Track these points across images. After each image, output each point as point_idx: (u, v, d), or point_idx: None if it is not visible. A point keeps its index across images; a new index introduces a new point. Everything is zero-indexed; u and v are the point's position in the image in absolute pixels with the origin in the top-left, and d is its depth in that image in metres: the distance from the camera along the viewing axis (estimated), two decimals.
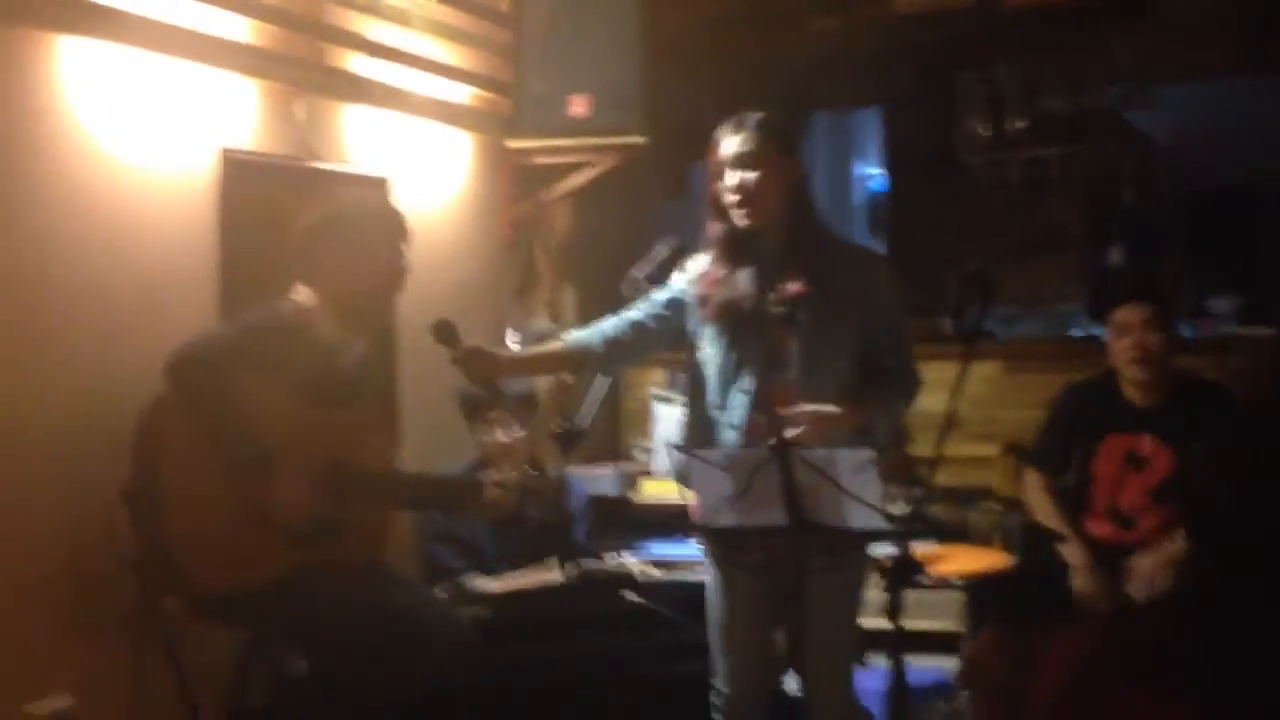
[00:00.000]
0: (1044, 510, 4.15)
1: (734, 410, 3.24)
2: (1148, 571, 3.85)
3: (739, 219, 3.22)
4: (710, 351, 3.30)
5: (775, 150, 3.22)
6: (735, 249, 3.27)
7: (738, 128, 3.23)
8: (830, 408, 3.09)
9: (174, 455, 3.16)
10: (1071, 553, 4.00)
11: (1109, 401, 4.12)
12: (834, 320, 3.19)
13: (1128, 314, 4.07)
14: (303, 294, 3.42)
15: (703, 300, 3.30)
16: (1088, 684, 3.29)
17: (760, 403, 3.19)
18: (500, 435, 4.14)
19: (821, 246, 3.27)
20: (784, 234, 3.25)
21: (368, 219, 3.52)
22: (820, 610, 3.28)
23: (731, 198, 3.21)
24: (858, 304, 3.21)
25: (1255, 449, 4.02)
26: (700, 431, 3.31)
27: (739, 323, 3.24)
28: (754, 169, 3.19)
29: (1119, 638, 3.64)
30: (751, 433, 3.19)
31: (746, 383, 3.23)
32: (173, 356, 3.14)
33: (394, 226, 3.52)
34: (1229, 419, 4.06)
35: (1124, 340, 4.06)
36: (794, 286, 3.18)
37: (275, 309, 3.39)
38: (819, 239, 3.29)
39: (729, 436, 3.24)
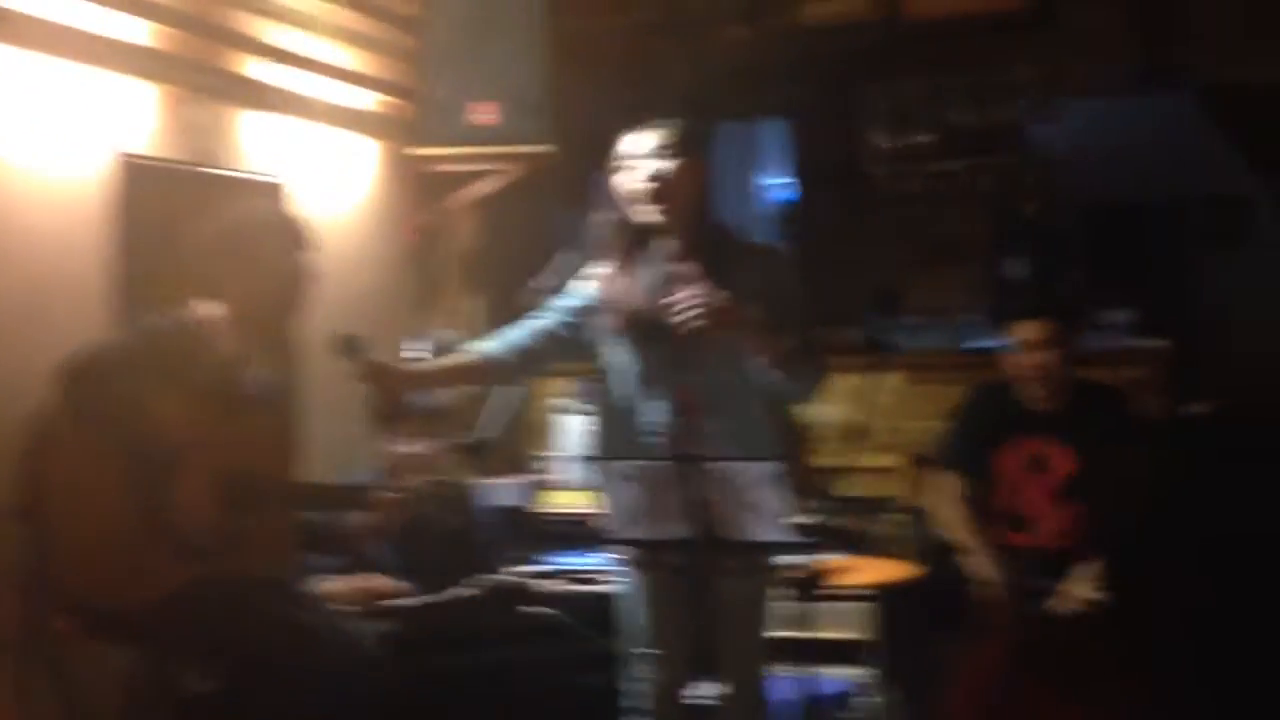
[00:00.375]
0: (950, 520, 4.18)
1: (649, 415, 3.23)
2: (1077, 596, 3.90)
3: (649, 213, 3.19)
4: (621, 359, 3.28)
5: (690, 148, 3.21)
6: (635, 247, 3.25)
7: (655, 125, 3.21)
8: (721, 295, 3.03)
9: (61, 467, 3.07)
10: (977, 565, 4.03)
11: (1011, 406, 4.19)
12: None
13: (1028, 330, 4.14)
14: (203, 305, 3.34)
15: (607, 307, 3.28)
16: (1000, 696, 3.31)
17: (677, 406, 3.16)
18: (403, 446, 4.07)
19: (721, 247, 3.25)
20: (686, 234, 3.22)
21: (265, 229, 3.44)
22: (731, 614, 3.27)
23: (645, 188, 3.17)
24: (759, 299, 3.20)
25: (1152, 451, 4.11)
26: (615, 438, 3.29)
27: (645, 331, 3.22)
28: (673, 158, 3.17)
29: (1031, 648, 3.68)
30: (670, 436, 3.16)
31: (660, 388, 3.21)
32: (63, 362, 3.06)
33: (294, 235, 3.44)
34: (1127, 420, 4.15)
35: (1024, 357, 4.13)
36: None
37: (173, 319, 3.32)
38: (719, 240, 3.27)
39: (647, 441, 3.22)
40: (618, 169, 3.23)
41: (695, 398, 3.13)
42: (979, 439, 4.21)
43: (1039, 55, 6.24)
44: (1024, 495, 4.14)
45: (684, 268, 3.15)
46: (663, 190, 3.17)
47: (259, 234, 3.41)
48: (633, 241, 3.26)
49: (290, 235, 3.44)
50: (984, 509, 4.15)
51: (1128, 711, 3.24)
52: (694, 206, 3.23)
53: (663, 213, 3.18)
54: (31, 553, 3.10)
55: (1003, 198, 7.07)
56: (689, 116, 3.29)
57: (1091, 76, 6.32)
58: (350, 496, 3.70)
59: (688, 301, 3.01)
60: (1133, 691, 3.38)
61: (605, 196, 3.29)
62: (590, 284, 3.35)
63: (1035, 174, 6.86)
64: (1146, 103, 7.04)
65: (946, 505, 4.21)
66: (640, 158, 3.19)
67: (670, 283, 3.14)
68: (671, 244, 3.22)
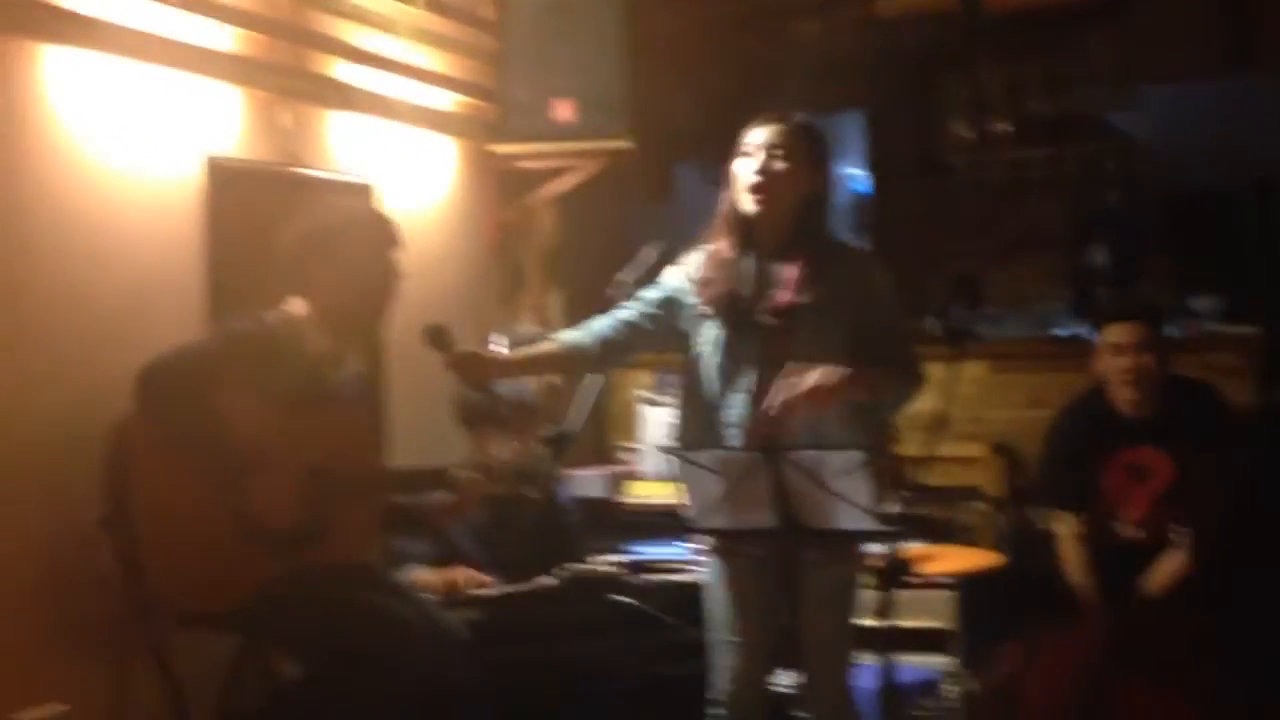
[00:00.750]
0: (1074, 566, 4.14)
1: (733, 409, 3.26)
2: (1169, 571, 3.86)
3: (749, 203, 3.24)
4: (707, 349, 3.31)
5: (805, 151, 3.26)
6: (741, 231, 3.30)
7: (778, 119, 3.27)
8: (829, 370, 3.08)
9: (144, 474, 3.12)
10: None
11: (1103, 418, 4.12)
12: (829, 320, 3.20)
13: (1120, 333, 4.07)
14: (294, 304, 3.41)
15: (704, 283, 3.31)
16: (1089, 684, 3.29)
17: (759, 400, 3.20)
18: (494, 450, 4.11)
19: (821, 248, 3.28)
20: (788, 230, 3.27)
21: (357, 229, 3.49)
22: (817, 604, 3.29)
23: (751, 179, 3.23)
24: (854, 305, 3.23)
25: (1249, 448, 4.05)
26: (697, 430, 3.32)
27: (736, 318, 3.26)
28: (780, 160, 3.22)
29: (1121, 635, 3.64)
30: (752, 431, 3.20)
31: (744, 381, 3.24)
32: (143, 369, 3.11)
33: (384, 235, 3.49)
34: (1220, 419, 4.08)
35: (1118, 361, 4.07)
36: (784, 297, 3.20)
37: (260, 320, 3.36)
38: (819, 241, 3.30)
39: (729, 434, 3.25)
40: (740, 154, 3.28)
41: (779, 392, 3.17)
42: (1079, 464, 4.15)
43: (1116, 41, 6.17)
44: (1127, 504, 4.09)
45: (782, 266, 3.23)
46: (765, 186, 3.23)
47: (349, 233, 3.45)
48: (738, 220, 3.30)
49: (380, 234, 3.49)
50: (1097, 529, 4.11)
51: (1214, 700, 3.21)
52: (798, 207, 3.27)
53: (760, 204, 3.24)
54: (123, 559, 3.17)
55: (1083, 186, 7.01)
56: (808, 114, 3.34)
57: (1171, 62, 6.25)
58: (433, 479, 3.75)
59: (798, 399, 3.06)
60: (1220, 679, 3.34)
61: (725, 179, 3.34)
62: (684, 269, 3.39)
63: (1116, 161, 6.80)
64: (1229, 86, 6.94)
65: (1073, 552, 4.16)
66: (756, 149, 3.24)
67: (765, 276, 3.23)
68: (772, 235, 3.27)
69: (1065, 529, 4.18)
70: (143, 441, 3.13)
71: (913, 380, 3.28)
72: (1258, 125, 7.14)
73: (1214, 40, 6.00)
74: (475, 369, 3.40)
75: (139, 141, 3.65)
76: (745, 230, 3.30)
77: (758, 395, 3.20)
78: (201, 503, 3.13)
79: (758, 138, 3.26)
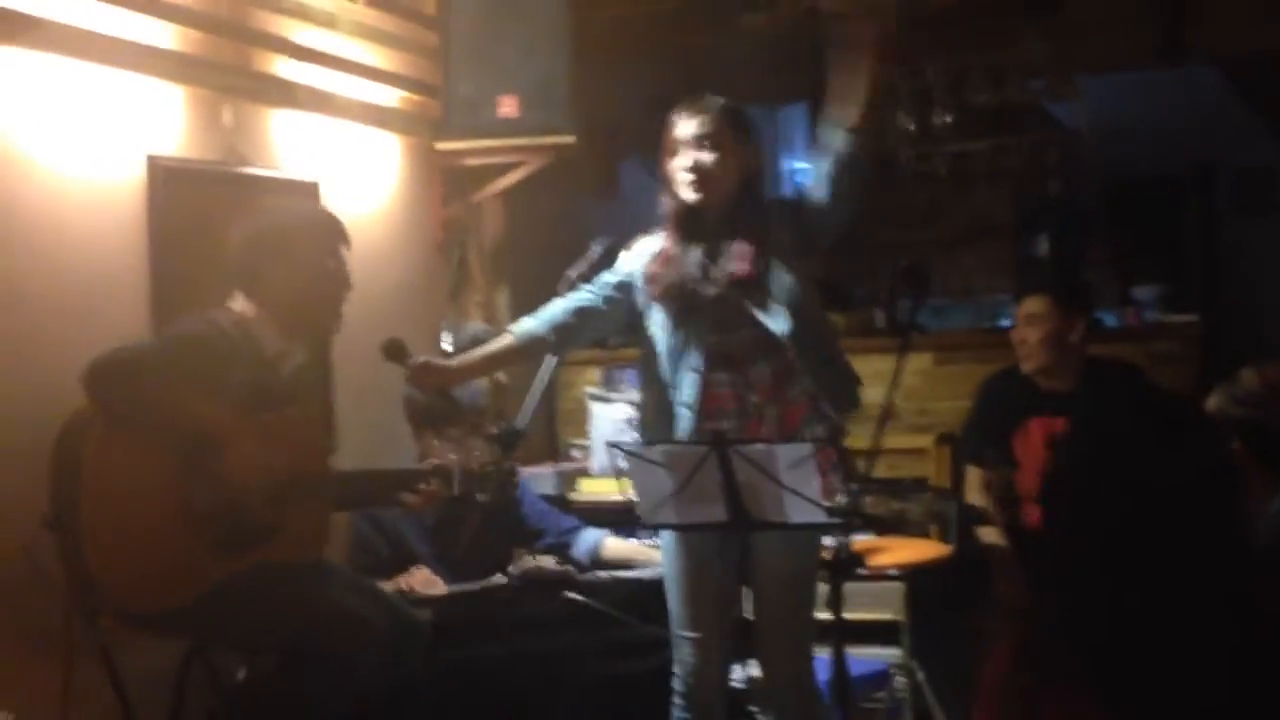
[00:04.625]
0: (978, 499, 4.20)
1: (685, 389, 3.28)
2: None
3: (685, 194, 3.27)
4: (659, 332, 3.34)
5: (732, 135, 3.29)
6: (685, 225, 3.33)
7: (696, 109, 3.29)
8: None
9: (92, 474, 3.06)
10: (994, 554, 4.06)
11: (1024, 389, 4.19)
12: (778, 287, 3.25)
13: (1028, 305, 4.17)
14: (241, 303, 3.39)
15: (650, 278, 3.36)
16: (1027, 677, 3.30)
17: (709, 380, 3.27)
18: (451, 454, 4.10)
19: (763, 221, 3.32)
20: (732, 214, 3.31)
21: (309, 228, 3.49)
22: (773, 597, 3.30)
23: (685, 176, 3.25)
24: (793, 291, 3.26)
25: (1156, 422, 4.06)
26: (656, 413, 3.35)
27: (684, 302, 3.30)
28: (711, 151, 3.25)
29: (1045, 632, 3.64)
30: (705, 409, 3.23)
31: (695, 360, 3.27)
32: (90, 366, 3.05)
33: (335, 235, 3.49)
34: (1141, 394, 4.14)
35: (1023, 331, 4.16)
36: (741, 268, 3.23)
37: (210, 319, 3.34)
38: (764, 214, 3.34)
39: (682, 414, 3.29)
40: (669, 153, 3.31)
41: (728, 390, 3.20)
42: (995, 427, 4.22)
43: (1055, 32, 6.22)
44: (1035, 472, 4.14)
45: (731, 244, 3.28)
46: (700, 181, 3.26)
47: (303, 233, 3.45)
48: (681, 215, 3.33)
49: (332, 234, 3.49)
50: (1012, 494, 4.15)
51: (1155, 690, 3.23)
52: (737, 191, 3.31)
53: (703, 196, 3.27)
54: (70, 561, 3.13)
55: (1026, 177, 7.08)
56: (732, 102, 3.37)
57: (1108, 52, 6.32)
58: (387, 482, 3.75)
59: None
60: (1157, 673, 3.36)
61: (661, 177, 3.38)
62: (635, 257, 3.41)
63: (1057, 152, 6.86)
64: (1168, 76, 7.03)
65: (972, 496, 4.23)
66: (684, 144, 3.26)
67: (716, 257, 3.28)
68: (716, 221, 3.32)
69: (971, 477, 4.25)
70: (92, 439, 3.08)
71: (851, 380, 3.36)
72: (1196, 113, 7.24)
73: (1150, 29, 6.07)
74: (436, 377, 3.44)
75: (80, 141, 3.61)
76: (691, 221, 3.33)
77: (705, 376, 3.25)
78: (152, 501, 3.10)
79: (684, 132, 3.29)
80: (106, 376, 3.06)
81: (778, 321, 3.21)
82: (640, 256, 3.42)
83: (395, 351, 3.42)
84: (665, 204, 3.36)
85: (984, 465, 4.20)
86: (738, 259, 3.26)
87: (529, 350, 3.52)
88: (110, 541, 3.07)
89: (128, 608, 3.14)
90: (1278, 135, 7.06)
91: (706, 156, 3.25)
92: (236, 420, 3.20)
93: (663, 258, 3.36)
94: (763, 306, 3.23)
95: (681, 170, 3.28)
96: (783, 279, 3.24)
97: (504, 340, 3.56)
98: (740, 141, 3.31)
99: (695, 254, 3.31)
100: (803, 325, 3.24)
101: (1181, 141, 7.34)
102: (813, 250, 3.35)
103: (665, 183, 3.34)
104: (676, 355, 3.31)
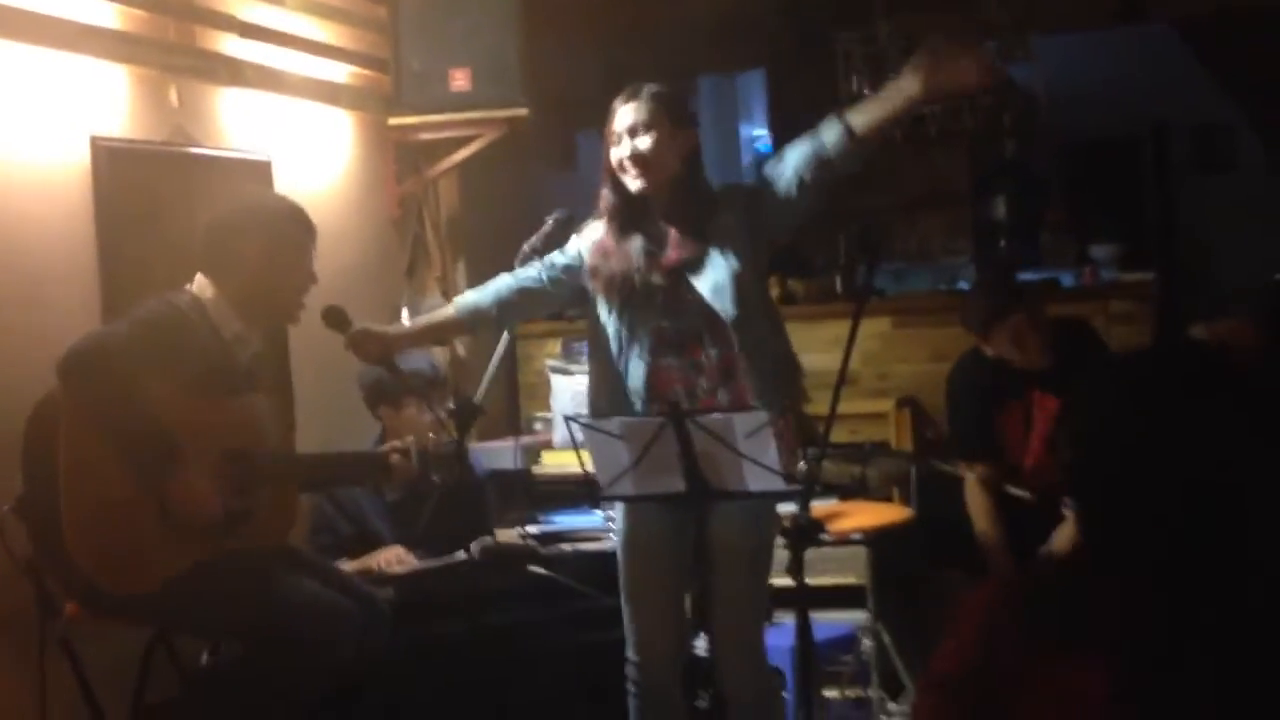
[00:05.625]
0: (978, 514, 4.20)
1: (633, 373, 3.28)
2: (1066, 537, 3.91)
3: (631, 183, 3.26)
4: (606, 316, 3.34)
5: (668, 119, 3.28)
6: (626, 217, 3.33)
7: (631, 97, 3.29)
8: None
9: (67, 459, 3.07)
10: (992, 560, 4.07)
11: (997, 370, 4.18)
12: (719, 264, 3.24)
13: (1010, 327, 4.10)
14: (199, 285, 3.36)
15: (594, 272, 3.35)
16: (993, 640, 3.31)
17: (655, 367, 3.27)
18: (402, 418, 4.11)
19: (699, 200, 3.32)
20: (672, 199, 3.30)
21: (287, 220, 3.45)
22: (728, 568, 3.30)
23: (628, 165, 3.26)
24: (743, 238, 3.27)
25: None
26: (606, 394, 3.34)
27: (627, 293, 3.29)
28: (645, 138, 3.25)
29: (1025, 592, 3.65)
30: (653, 393, 3.24)
31: (642, 345, 3.28)
32: (66, 357, 3.04)
33: (306, 229, 3.47)
34: (1101, 352, 4.16)
35: (1015, 349, 4.11)
36: (671, 256, 3.24)
37: (169, 302, 3.31)
38: (698, 195, 3.33)
39: (633, 400, 3.29)
40: (611, 142, 3.30)
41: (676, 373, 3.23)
42: (978, 416, 4.22)
43: None
44: (1026, 452, 4.16)
45: (668, 228, 3.28)
46: (641, 166, 3.25)
47: (281, 223, 3.42)
48: (622, 207, 3.32)
49: (306, 228, 3.46)
50: (999, 480, 4.17)
51: (1120, 656, 3.24)
52: (678, 175, 3.30)
53: (641, 181, 3.26)
54: (40, 543, 3.14)
55: (982, 139, 7.08)
56: (669, 82, 3.36)
57: (1063, 12, 6.32)
58: (349, 464, 3.74)
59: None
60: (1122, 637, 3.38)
61: (598, 165, 3.37)
62: (584, 242, 3.40)
63: (1013, 114, 6.87)
64: (1123, 36, 7.04)
65: (979, 499, 4.22)
66: (620, 135, 3.26)
67: (658, 243, 3.27)
68: (658, 209, 3.31)
69: (971, 476, 4.24)
70: (64, 425, 3.08)
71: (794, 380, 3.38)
72: (1152, 73, 7.26)
73: None
74: (374, 344, 3.42)
75: (21, 124, 3.57)
76: (632, 210, 3.32)
77: (653, 362, 3.26)
78: (119, 487, 3.09)
79: (620, 123, 3.28)
80: (80, 372, 3.05)
81: (724, 304, 3.21)
82: (587, 240, 3.40)
83: (335, 319, 3.39)
84: (603, 196, 3.35)
85: (982, 463, 4.21)
86: (678, 245, 3.26)
87: (470, 323, 3.52)
88: (83, 518, 3.07)
89: (98, 586, 3.12)
90: (1233, 94, 7.08)
91: (644, 144, 3.25)
92: (199, 410, 3.19)
93: (600, 249, 3.35)
94: (708, 290, 3.22)
95: (622, 159, 3.27)
96: (730, 262, 3.23)
97: (446, 311, 3.59)
98: (678, 124, 3.30)
99: (638, 242, 3.30)
100: (746, 312, 3.23)
101: (1138, 101, 7.36)
102: (772, 237, 3.35)
103: (607, 173, 3.32)
104: (623, 340, 3.31)
